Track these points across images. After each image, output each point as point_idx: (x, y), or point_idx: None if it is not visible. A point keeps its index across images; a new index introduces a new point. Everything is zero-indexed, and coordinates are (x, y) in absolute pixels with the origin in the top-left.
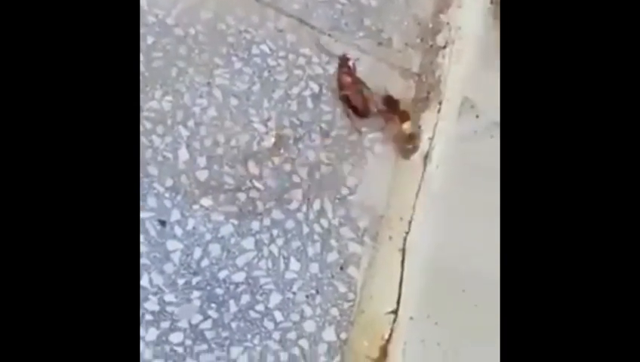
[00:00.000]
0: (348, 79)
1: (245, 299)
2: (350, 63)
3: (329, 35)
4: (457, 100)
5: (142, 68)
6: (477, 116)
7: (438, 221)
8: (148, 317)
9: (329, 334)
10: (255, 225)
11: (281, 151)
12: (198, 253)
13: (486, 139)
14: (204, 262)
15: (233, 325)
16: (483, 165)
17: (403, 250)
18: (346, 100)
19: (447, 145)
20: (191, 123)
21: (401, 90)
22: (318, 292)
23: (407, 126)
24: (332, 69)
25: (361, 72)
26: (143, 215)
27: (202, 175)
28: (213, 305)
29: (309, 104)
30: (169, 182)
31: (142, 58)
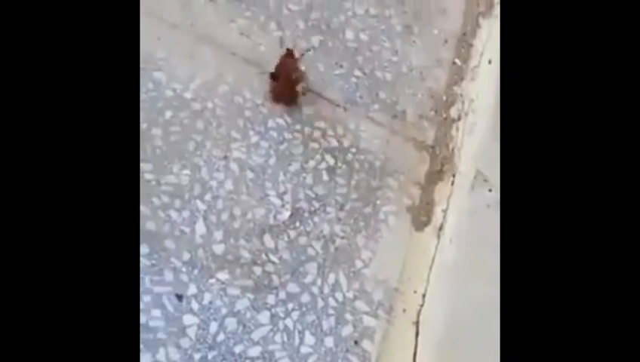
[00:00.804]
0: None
1: None
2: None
3: (344, 108)
4: (470, 174)
5: (160, 142)
6: (490, 190)
7: (452, 295)
8: None
9: None
10: (270, 298)
11: (297, 224)
12: (214, 327)
13: (498, 212)
14: (220, 337)
15: None
16: (496, 240)
17: (417, 323)
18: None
19: (461, 219)
20: (208, 196)
21: (416, 162)
22: None
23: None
24: (347, 142)
25: (375, 143)
26: (159, 289)
27: (219, 249)
28: None
29: (325, 177)
30: (186, 256)
31: (160, 132)
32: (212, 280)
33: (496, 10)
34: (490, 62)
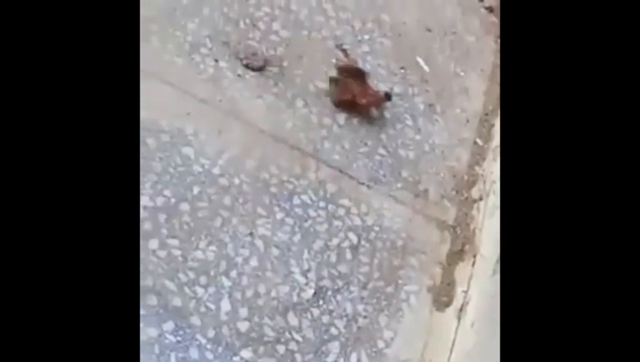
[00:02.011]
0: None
1: None
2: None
3: (368, 186)
4: (492, 257)
5: (187, 218)
6: None
7: None
8: None
9: None
10: None
11: (320, 302)
12: None
13: None
14: None
15: None
16: None
17: None
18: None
19: (483, 303)
20: (234, 273)
21: (437, 241)
22: None
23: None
24: (370, 220)
25: (398, 222)
26: None
27: (243, 326)
28: None
29: (348, 255)
30: (211, 333)
31: (187, 208)
32: (236, 358)
33: None
34: None
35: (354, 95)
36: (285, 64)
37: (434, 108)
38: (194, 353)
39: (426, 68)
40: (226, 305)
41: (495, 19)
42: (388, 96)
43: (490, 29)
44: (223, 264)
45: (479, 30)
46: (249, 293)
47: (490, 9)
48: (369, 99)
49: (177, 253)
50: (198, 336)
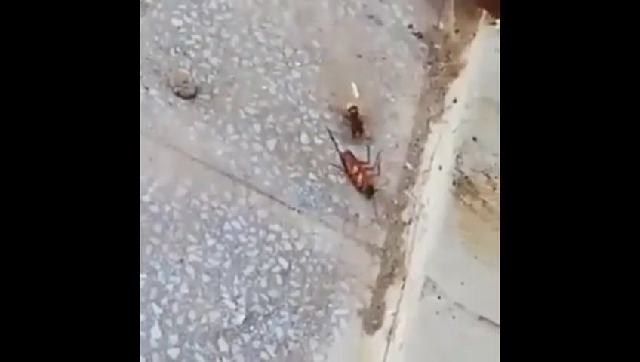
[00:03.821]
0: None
1: None
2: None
3: (298, 212)
4: (420, 280)
5: None
6: (439, 297)
7: None
8: None
9: None
10: None
11: (251, 328)
12: None
13: (448, 320)
14: None
15: None
16: (445, 347)
17: None
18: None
19: (410, 325)
20: (164, 300)
21: (367, 265)
22: None
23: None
24: (301, 245)
25: (329, 246)
26: None
27: (174, 353)
28: None
29: (279, 280)
30: (141, 361)
31: None
32: None
33: (446, 116)
34: (440, 168)
35: None
36: (216, 91)
37: (364, 133)
38: None
39: (356, 93)
40: (156, 332)
41: (424, 45)
42: None
43: (420, 55)
44: (153, 291)
45: (409, 56)
46: (180, 320)
47: (419, 35)
48: None
49: None
50: None
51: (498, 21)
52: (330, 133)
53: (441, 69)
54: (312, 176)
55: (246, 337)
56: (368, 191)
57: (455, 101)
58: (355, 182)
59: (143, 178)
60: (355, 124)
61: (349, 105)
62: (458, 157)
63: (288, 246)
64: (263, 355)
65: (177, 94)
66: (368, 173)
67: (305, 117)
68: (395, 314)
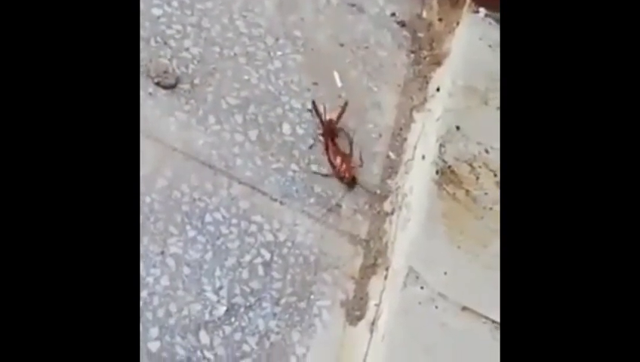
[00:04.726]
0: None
1: None
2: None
3: (280, 202)
4: (402, 271)
5: None
6: (422, 287)
7: None
8: None
9: None
10: None
11: (232, 319)
12: None
13: (431, 310)
14: None
15: None
16: (427, 338)
17: None
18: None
19: (392, 316)
20: (144, 293)
21: (350, 256)
22: None
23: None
24: (283, 236)
25: (311, 237)
26: None
27: (154, 346)
28: None
29: (260, 272)
30: None
31: None
32: None
33: (430, 104)
34: (423, 157)
35: None
36: (197, 81)
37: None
38: None
39: (339, 83)
40: None
41: (407, 34)
42: None
43: (403, 44)
44: None
45: (392, 45)
46: (160, 313)
47: (402, 23)
48: None
49: None
50: None
51: (482, 9)
52: (314, 105)
53: (425, 58)
54: (294, 166)
55: (227, 329)
56: (351, 182)
57: (438, 90)
58: (337, 173)
59: None
60: (328, 132)
61: (328, 117)
62: (441, 146)
63: (270, 238)
64: (245, 347)
65: (157, 84)
66: (351, 163)
67: (287, 106)
68: (377, 305)
